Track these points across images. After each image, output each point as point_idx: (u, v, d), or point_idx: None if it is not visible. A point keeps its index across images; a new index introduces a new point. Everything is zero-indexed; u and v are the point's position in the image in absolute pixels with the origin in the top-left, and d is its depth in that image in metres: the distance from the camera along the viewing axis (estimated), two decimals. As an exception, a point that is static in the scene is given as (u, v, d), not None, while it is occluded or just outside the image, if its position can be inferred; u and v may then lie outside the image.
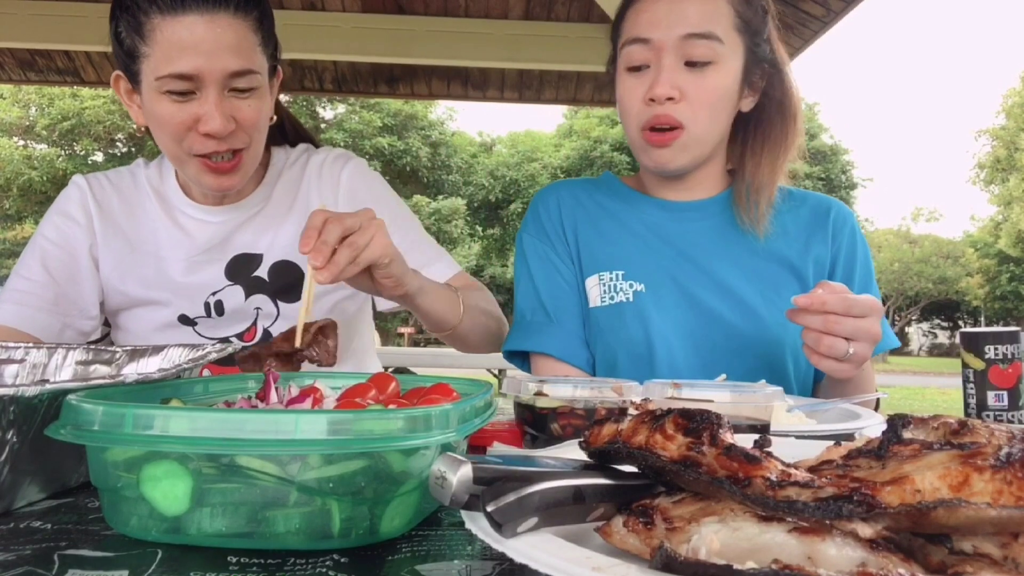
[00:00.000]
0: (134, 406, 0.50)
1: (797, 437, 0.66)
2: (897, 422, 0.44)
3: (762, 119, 1.22)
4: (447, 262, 1.31)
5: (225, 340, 1.25)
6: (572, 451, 0.56)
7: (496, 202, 24.72)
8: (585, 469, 0.47)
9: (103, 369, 0.84)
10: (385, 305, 1.32)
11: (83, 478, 0.69)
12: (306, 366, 1.01)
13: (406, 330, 21.80)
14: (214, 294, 1.25)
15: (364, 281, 0.98)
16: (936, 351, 35.23)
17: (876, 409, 1.11)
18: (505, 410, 1.00)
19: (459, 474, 0.42)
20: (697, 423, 0.43)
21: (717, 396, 0.73)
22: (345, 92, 4.36)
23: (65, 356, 0.84)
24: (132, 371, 0.82)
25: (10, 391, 0.58)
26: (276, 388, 0.73)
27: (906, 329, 34.03)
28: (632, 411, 0.48)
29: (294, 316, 1.27)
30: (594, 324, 1.23)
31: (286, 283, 1.27)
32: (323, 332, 1.01)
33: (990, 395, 1.02)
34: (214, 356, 0.80)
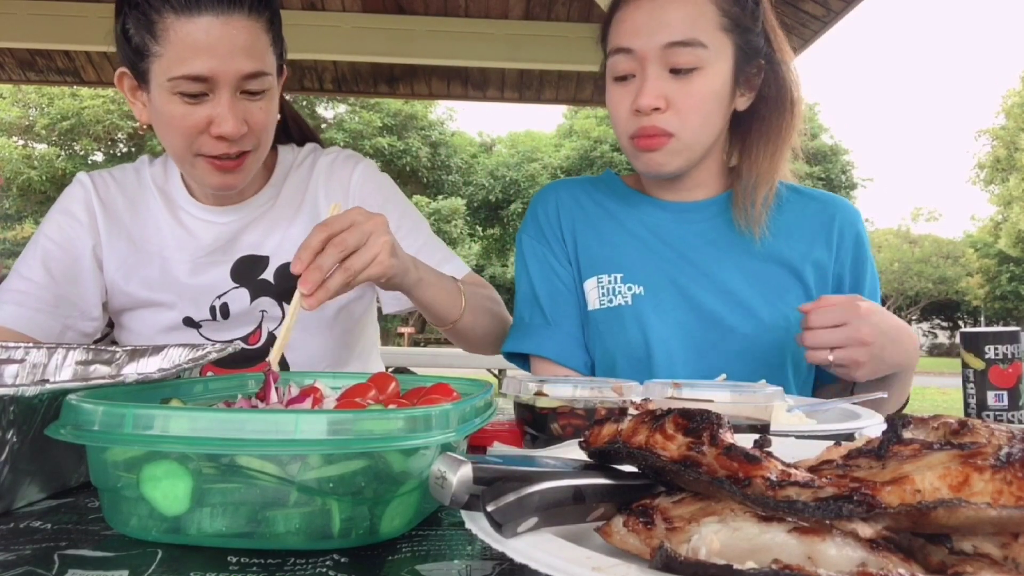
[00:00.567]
0: (134, 406, 0.50)
1: (797, 437, 0.66)
2: (897, 422, 0.44)
3: (759, 114, 1.19)
4: (456, 264, 1.30)
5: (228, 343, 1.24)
6: (572, 451, 0.56)
7: (496, 202, 24.73)
8: (585, 469, 0.47)
9: (103, 369, 0.84)
10: (392, 307, 1.30)
11: (83, 478, 0.69)
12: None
13: (406, 330, 21.81)
14: (220, 297, 1.23)
15: None
16: (936, 351, 35.21)
17: (905, 405, 1.12)
18: (505, 410, 1.00)
19: (459, 474, 0.42)
20: (697, 423, 0.43)
21: (717, 396, 0.73)
22: (345, 92, 4.37)
23: (65, 356, 0.84)
24: (132, 371, 0.82)
25: (10, 391, 0.58)
26: (276, 388, 0.73)
27: (906, 329, 33.96)
28: (632, 411, 0.48)
29: (300, 319, 1.25)
30: (593, 327, 1.23)
31: (292, 285, 1.25)
32: None
33: (990, 395, 1.02)
34: (214, 356, 0.80)
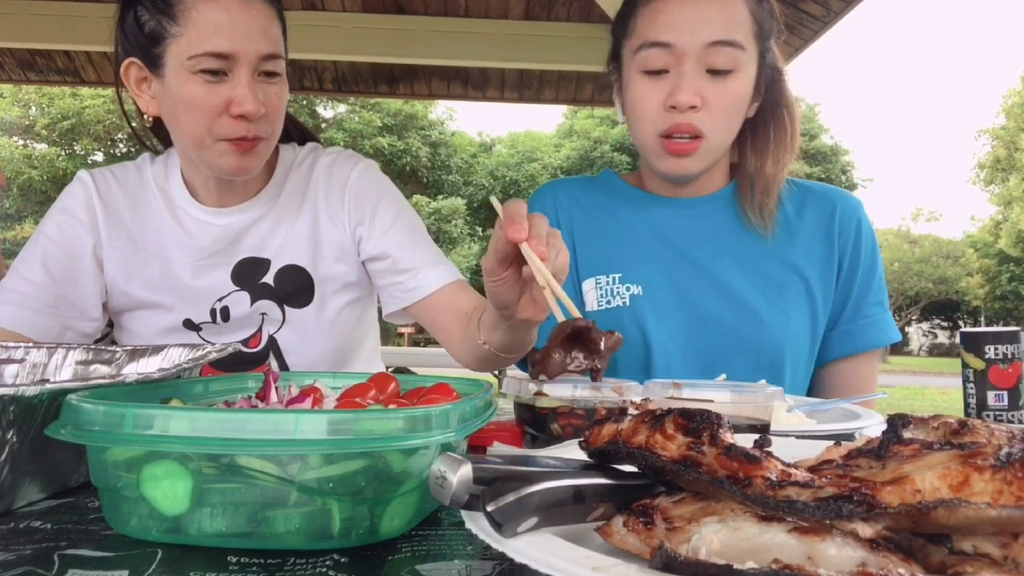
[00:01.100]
0: (134, 406, 0.50)
1: (797, 437, 0.66)
2: (897, 422, 0.44)
3: (765, 121, 1.21)
4: (448, 268, 1.26)
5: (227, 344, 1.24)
6: (572, 451, 0.56)
7: (496, 202, 24.70)
8: (585, 469, 0.47)
9: (103, 369, 0.84)
10: (397, 318, 1.29)
11: (83, 478, 0.69)
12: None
13: (406, 330, 21.78)
14: (220, 300, 1.23)
15: (513, 292, 0.84)
16: (936, 351, 35.22)
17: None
18: (505, 410, 1.00)
19: (459, 474, 0.42)
20: (697, 423, 0.43)
21: (717, 396, 0.73)
22: (345, 92, 4.36)
23: (65, 356, 0.84)
24: (132, 371, 0.82)
25: (10, 391, 0.58)
26: (276, 388, 0.73)
27: (906, 329, 34.03)
28: (632, 411, 0.48)
29: (300, 322, 1.25)
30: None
31: (293, 288, 1.25)
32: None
33: (990, 395, 1.02)
34: (214, 356, 0.80)
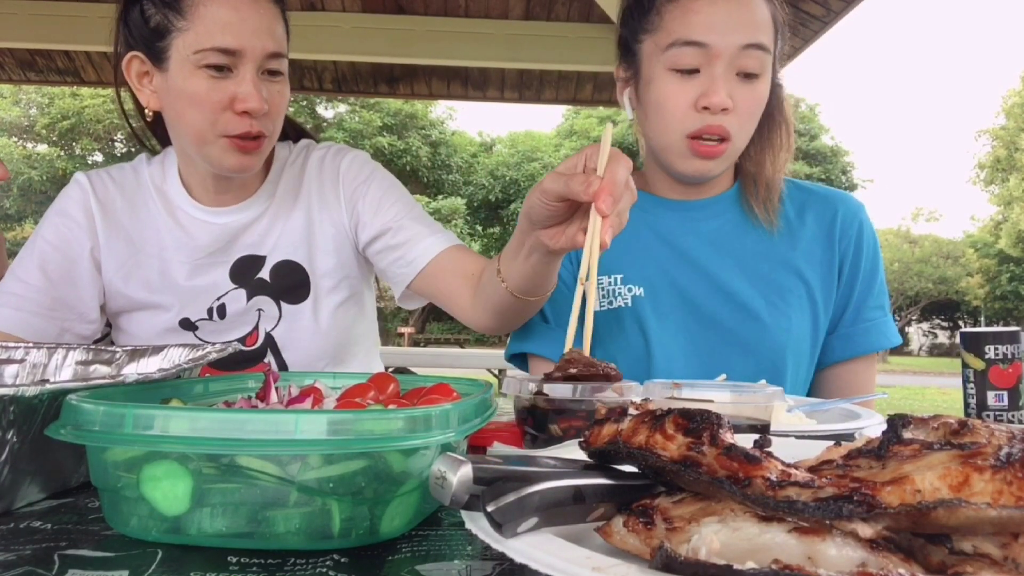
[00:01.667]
0: (134, 406, 0.50)
1: (797, 437, 0.66)
2: (897, 422, 0.44)
3: (766, 122, 1.22)
4: (447, 235, 1.25)
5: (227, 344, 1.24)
6: (572, 451, 0.56)
7: (496, 202, 24.73)
8: (585, 469, 0.47)
9: (103, 369, 0.84)
10: (409, 301, 1.28)
11: (83, 478, 0.69)
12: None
13: (406, 330, 21.78)
14: (218, 298, 1.23)
15: (551, 219, 0.86)
16: (936, 351, 35.22)
17: None
18: (505, 410, 1.00)
19: (459, 474, 0.42)
20: (697, 423, 0.43)
21: (717, 396, 0.73)
22: (345, 92, 4.37)
23: (65, 356, 0.84)
24: (132, 371, 0.82)
25: (10, 391, 0.58)
26: (276, 388, 0.73)
27: (906, 329, 34.03)
28: (632, 411, 0.48)
29: (296, 318, 1.25)
30: (593, 329, 1.22)
31: (289, 284, 1.25)
32: None
33: (990, 395, 1.02)
34: (214, 356, 0.80)
